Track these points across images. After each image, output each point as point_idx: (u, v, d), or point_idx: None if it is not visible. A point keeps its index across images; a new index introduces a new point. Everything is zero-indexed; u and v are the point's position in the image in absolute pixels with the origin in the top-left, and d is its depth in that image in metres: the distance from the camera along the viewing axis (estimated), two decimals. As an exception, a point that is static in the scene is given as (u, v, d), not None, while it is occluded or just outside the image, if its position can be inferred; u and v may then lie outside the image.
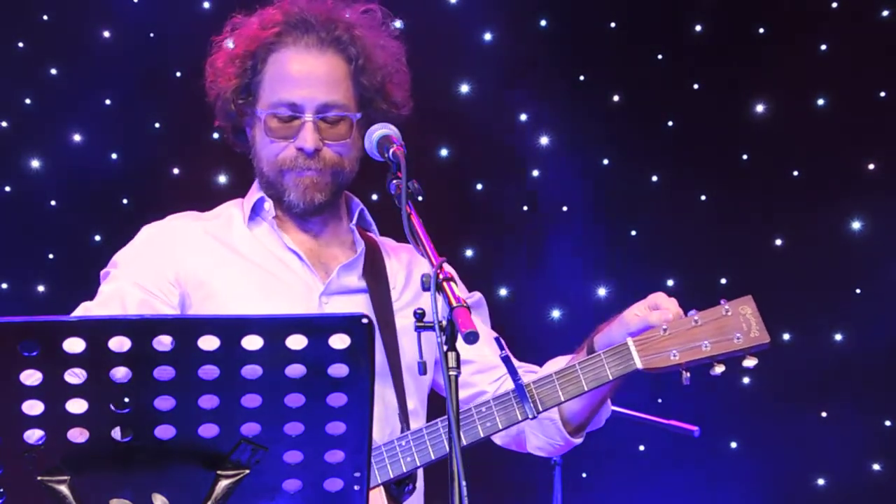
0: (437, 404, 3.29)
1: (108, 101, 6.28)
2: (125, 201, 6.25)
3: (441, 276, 2.69)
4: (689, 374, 3.16)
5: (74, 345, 2.16)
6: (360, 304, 3.34)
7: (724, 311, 3.18)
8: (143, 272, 3.28)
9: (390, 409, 3.30)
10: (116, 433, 2.24)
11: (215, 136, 5.93)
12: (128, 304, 3.22)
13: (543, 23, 6.60)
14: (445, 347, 2.61)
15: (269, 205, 3.39)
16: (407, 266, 3.50)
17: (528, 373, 3.48)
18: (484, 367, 3.46)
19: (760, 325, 3.18)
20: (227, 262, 3.34)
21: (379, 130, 3.15)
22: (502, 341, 3.29)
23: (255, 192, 3.44)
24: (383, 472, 3.15)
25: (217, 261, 3.33)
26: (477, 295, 3.53)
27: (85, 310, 3.23)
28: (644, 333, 3.18)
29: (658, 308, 3.23)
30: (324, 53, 3.34)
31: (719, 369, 3.18)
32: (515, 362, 3.45)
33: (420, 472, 3.28)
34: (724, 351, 3.17)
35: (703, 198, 6.59)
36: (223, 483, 2.30)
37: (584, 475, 6.34)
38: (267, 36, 3.35)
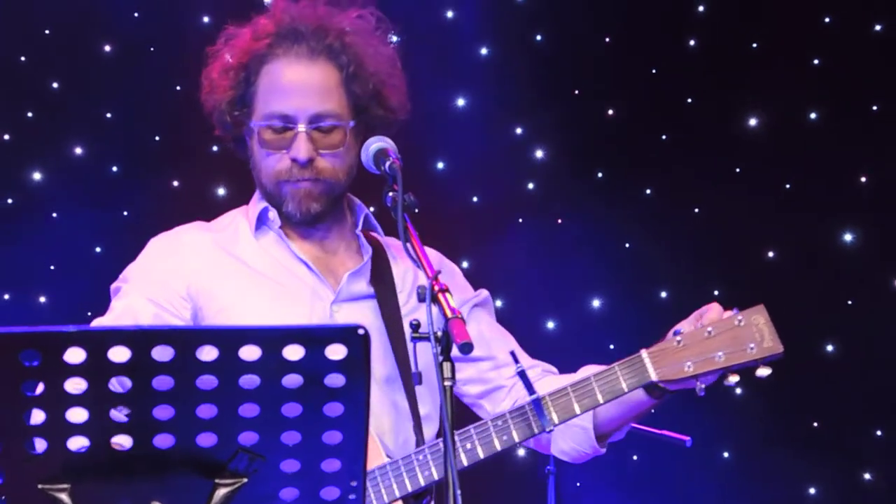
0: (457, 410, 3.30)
1: (108, 115, 6.32)
2: (126, 213, 6.28)
3: (437, 288, 2.71)
4: (703, 386, 3.14)
5: (75, 355, 2.16)
6: (368, 311, 3.33)
7: (737, 322, 3.14)
8: (154, 287, 3.26)
9: (403, 415, 3.28)
10: (116, 442, 2.26)
11: (215, 148, 5.98)
12: (141, 320, 3.20)
13: (539, 37, 6.64)
14: (441, 358, 2.64)
15: (273, 214, 3.37)
16: (413, 270, 3.47)
17: (546, 372, 3.48)
18: (501, 364, 3.46)
19: (773, 334, 3.15)
20: (238, 274, 3.32)
21: (375, 144, 3.13)
22: (517, 354, 3.29)
23: (258, 202, 3.41)
24: (402, 485, 3.12)
25: (227, 273, 3.31)
26: (484, 293, 3.52)
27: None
28: (658, 345, 3.16)
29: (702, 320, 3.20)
30: (315, 63, 3.30)
31: (733, 379, 3.15)
32: (532, 361, 3.47)
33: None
34: (738, 361, 3.14)
35: (696, 210, 6.62)
36: (221, 491, 2.30)
37: (577, 484, 6.36)
38: (259, 47, 3.31)
